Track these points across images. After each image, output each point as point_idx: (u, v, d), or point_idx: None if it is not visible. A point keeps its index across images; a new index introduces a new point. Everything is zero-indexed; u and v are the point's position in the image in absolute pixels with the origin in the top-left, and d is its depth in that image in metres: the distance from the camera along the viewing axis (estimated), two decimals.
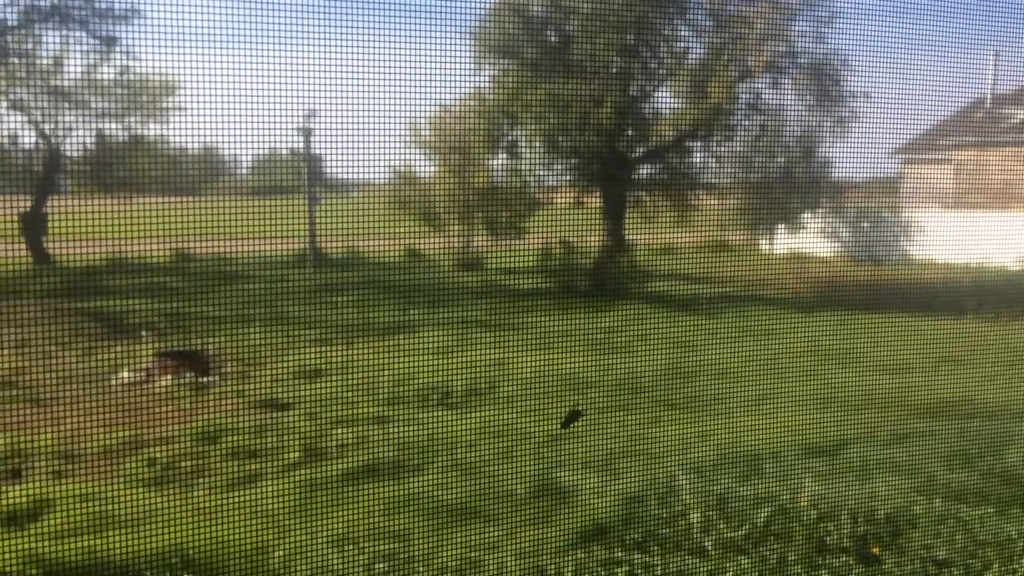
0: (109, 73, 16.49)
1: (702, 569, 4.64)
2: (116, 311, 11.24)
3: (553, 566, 4.72)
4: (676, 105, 16.20)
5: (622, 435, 7.12)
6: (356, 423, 7.42)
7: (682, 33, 16.02)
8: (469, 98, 15.86)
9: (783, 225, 17.89)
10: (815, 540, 4.92)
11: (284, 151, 16.30)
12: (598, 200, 16.47)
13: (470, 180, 16.20)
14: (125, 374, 8.87)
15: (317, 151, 15.24)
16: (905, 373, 9.04)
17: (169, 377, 8.68)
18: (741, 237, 17.90)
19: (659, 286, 14.56)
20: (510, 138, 16.03)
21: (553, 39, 15.13)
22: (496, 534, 5.10)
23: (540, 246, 15.91)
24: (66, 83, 15.79)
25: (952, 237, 14.61)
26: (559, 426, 5.85)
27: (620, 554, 4.81)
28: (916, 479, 5.90)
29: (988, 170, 19.16)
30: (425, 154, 17.38)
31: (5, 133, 15.45)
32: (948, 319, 11.83)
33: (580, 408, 6.14)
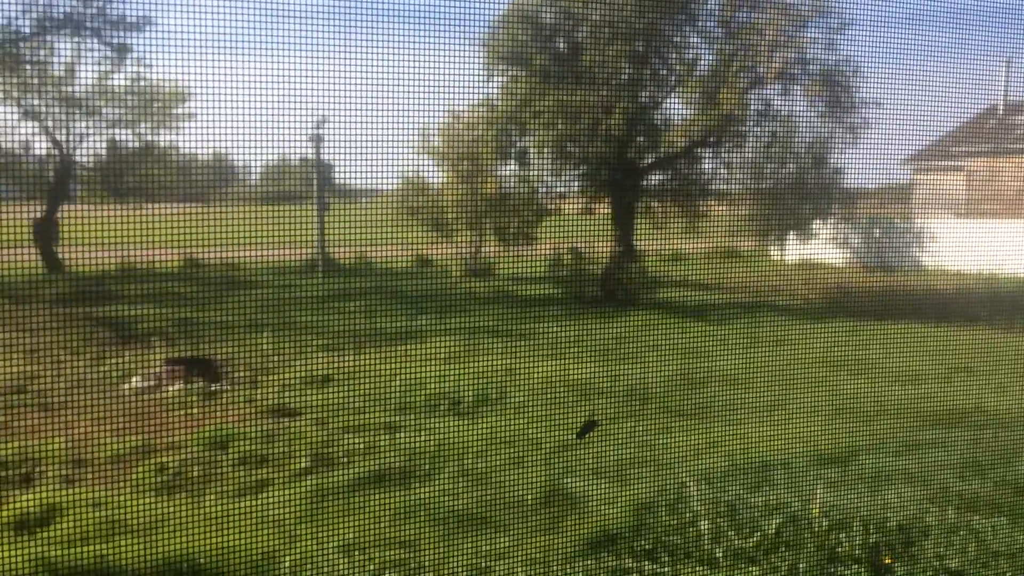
0: (121, 81, 16.60)
1: None
2: (127, 318, 11.28)
3: (562, 574, 4.70)
4: (686, 113, 16.19)
5: (632, 443, 7.10)
6: (365, 430, 7.42)
7: (692, 41, 16.02)
8: (479, 106, 15.90)
9: (794, 233, 17.84)
10: (827, 550, 4.88)
11: (294, 158, 16.36)
12: (608, 208, 16.46)
13: (480, 188, 16.21)
14: (135, 381, 8.90)
15: (327, 158, 15.29)
16: (917, 382, 8.99)
17: (179, 384, 8.70)
18: (751, 245, 17.85)
19: (669, 294, 14.54)
20: (520, 146, 16.04)
21: (563, 47, 15.14)
22: (505, 542, 5.08)
23: (550, 254, 15.92)
24: (78, 91, 15.90)
25: (964, 245, 14.54)
26: (575, 436, 5.83)
27: (630, 563, 4.79)
28: (928, 489, 5.86)
29: (1000, 178, 19.07)
30: (435, 162, 17.42)
31: (18, 140, 15.55)
32: (961, 328, 11.76)
33: (596, 418, 6.12)
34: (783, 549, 4.89)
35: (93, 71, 15.77)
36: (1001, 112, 19.86)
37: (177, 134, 16.94)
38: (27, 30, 14.69)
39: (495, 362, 9.82)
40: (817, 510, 5.29)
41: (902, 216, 19.07)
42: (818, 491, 5.61)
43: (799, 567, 4.68)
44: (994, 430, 7.28)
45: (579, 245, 16.01)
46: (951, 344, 10.35)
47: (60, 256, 14.57)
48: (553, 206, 16.84)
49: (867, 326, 11.46)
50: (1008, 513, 5.41)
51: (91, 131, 16.40)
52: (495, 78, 15.71)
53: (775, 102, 16.05)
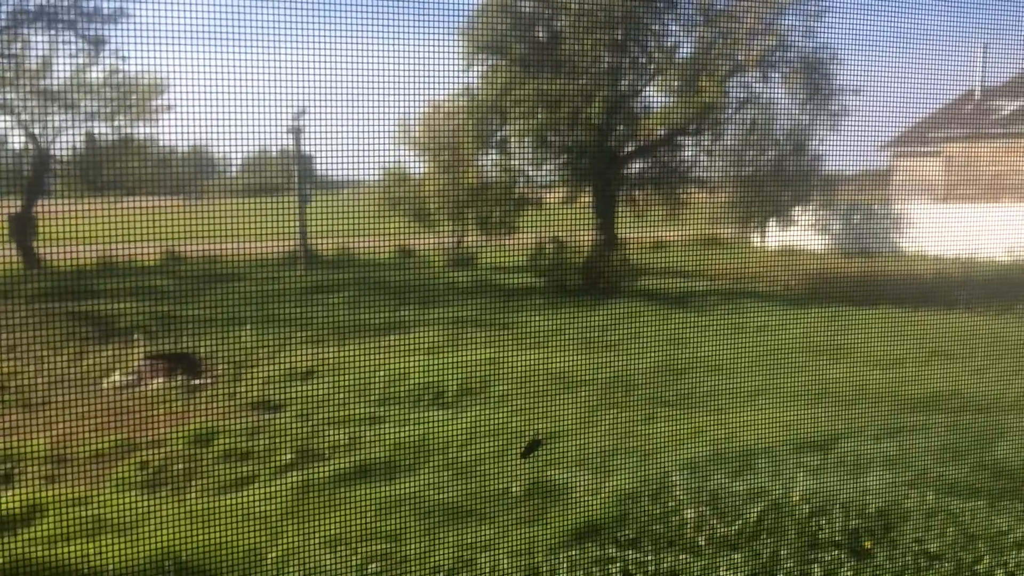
0: (97, 74, 16.44)
1: (695, 566, 4.65)
2: (106, 314, 11.20)
3: (547, 565, 4.72)
4: (666, 101, 16.22)
5: (615, 433, 7.13)
6: (349, 424, 7.41)
7: (671, 29, 16.03)
8: (459, 96, 15.86)
9: (774, 220, 17.92)
10: (807, 535, 4.93)
11: (274, 150, 16.28)
12: (589, 197, 16.47)
13: (461, 178, 16.18)
14: (116, 377, 8.84)
15: (307, 150, 15.22)
16: (896, 366, 9.07)
17: (160, 380, 8.65)
18: (732, 232, 17.92)
19: (651, 282, 14.58)
20: (500, 135, 16.02)
21: (542, 36, 15.11)
22: (490, 533, 5.09)
23: (531, 243, 15.91)
24: (54, 84, 15.73)
25: (942, 230, 14.65)
26: (519, 455, 5.86)
27: (614, 552, 4.82)
28: (908, 473, 5.92)
29: (978, 162, 19.21)
30: (416, 152, 17.37)
31: None
32: (939, 312, 11.86)
33: (541, 437, 6.17)
34: (765, 535, 4.93)
35: (68, 64, 15.62)
36: (978, 97, 20.01)
37: (155, 127, 16.78)
38: (1, 23, 14.50)
39: (478, 353, 9.82)
40: (798, 496, 5.34)
41: (881, 201, 19.20)
42: (799, 477, 5.67)
43: (780, 553, 4.72)
44: (972, 414, 7.36)
45: (561, 235, 16.01)
46: (930, 329, 10.44)
47: (38, 252, 14.43)
48: (535, 196, 16.84)
49: (847, 312, 11.54)
50: (986, 496, 5.48)
51: (68, 125, 16.24)
52: (475, 67, 15.69)
53: (755, 89, 16.11)
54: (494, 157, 16.44)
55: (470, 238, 17.58)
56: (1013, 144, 19.18)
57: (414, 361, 9.45)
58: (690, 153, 16.94)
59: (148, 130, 17.06)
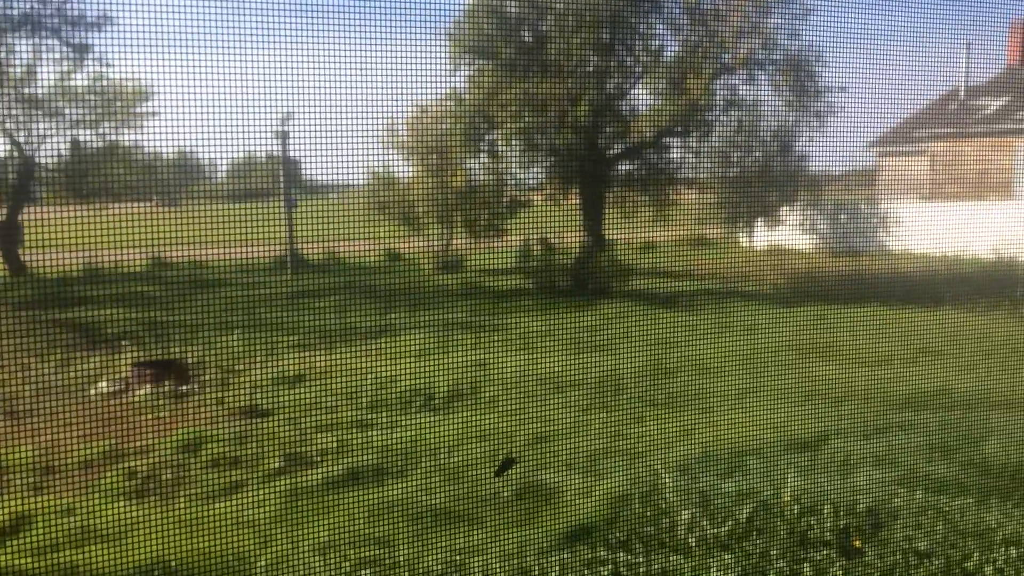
0: (82, 80, 16.35)
1: (686, 566, 4.65)
2: (93, 321, 11.14)
3: (538, 567, 4.71)
4: (653, 102, 16.25)
5: (605, 434, 7.13)
6: (338, 429, 7.39)
7: (658, 30, 16.06)
8: (446, 99, 15.84)
9: (762, 219, 17.97)
10: (798, 534, 4.94)
11: (260, 155, 16.21)
12: (577, 198, 16.48)
13: (448, 181, 16.16)
14: (103, 385, 8.79)
15: (294, 154, 15.18)
16: (884, 365, 9.10)
17: (148, 387, 8.60)
18: (720, 232, 17.95)
19: (640, 283, 14.59)
20: (488, 138, 16.01)
21: (528, 38, 15.12)
22: (481, 537, 5.08)
23: (520, 245, 15.92)
24: (39, 91, 15.63)
25: (929, 228, 14.72)
26: (494, 473, 5.88)
27: (604, 554, 4.81)
28: (897, 471, 5.94)
29: (963, 160, 19.33)
30: (403, 156, 17.32)
31: None
32: (926, 310, 11.91)
33: (515, 456, 6.21)
34: (755, 535, 4.94)
35: (53, 70, 15.51)
36: (962, 95, 20.13)
37: (140, 133, 16.70)
38: None
39: (467, 356, 9.81)
40: (788, 496, 5.35)
41: (867, 200, 19.28)
42: (789, 477, 5.68)
43: (771, 553, 4.73)
44: (960, 411, 7.39)
45: (549, 236, 16.02)
46: (917, 326, 10.49)
47: (24, 259, 14.34)
48: (523, 197, 16.84)
49: (834, 310, 11.58)
50: (975, 493, 5.50)
51: (53, 132, 16.13)
52: (461, 70, 15.68)
53: (741, 89, 16.16)
54: (482, 159, 16.44)
55: (458, 241, 17.55)
56: (997, 142, 19.30)
57: (403, 365, 9.43)
58: (678, 153, 16.97)
59: (133, 136, 16.98)
